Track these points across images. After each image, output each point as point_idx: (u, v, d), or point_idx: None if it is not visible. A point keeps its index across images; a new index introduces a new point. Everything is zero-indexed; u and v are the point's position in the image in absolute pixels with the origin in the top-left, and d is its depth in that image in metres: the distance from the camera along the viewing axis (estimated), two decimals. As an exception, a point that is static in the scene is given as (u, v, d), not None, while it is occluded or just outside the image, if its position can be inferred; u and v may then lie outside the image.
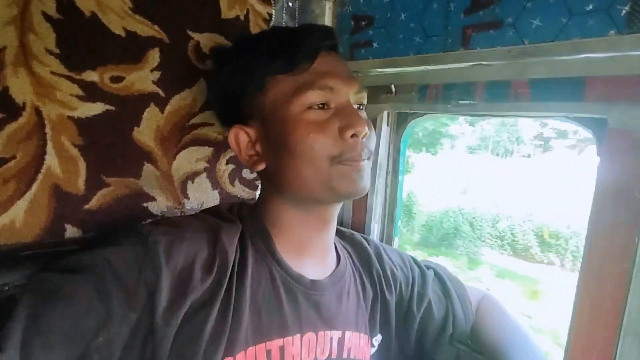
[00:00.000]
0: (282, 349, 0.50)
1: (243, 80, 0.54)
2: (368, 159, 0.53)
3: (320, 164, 0.50)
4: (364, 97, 0.57)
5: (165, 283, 0.43)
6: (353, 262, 0.64)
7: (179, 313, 0.43)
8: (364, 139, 0.52)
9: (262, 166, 0.54)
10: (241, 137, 0.55)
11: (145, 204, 0.63)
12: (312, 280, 0.55)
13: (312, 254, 0.57)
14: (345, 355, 0.56)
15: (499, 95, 0.61)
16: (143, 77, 0.60)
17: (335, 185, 0.50)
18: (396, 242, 0.85)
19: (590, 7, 0.50)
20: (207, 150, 0.70)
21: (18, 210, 0.51)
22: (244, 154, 0.55)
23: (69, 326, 0.39)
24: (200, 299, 0.45)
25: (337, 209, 0.57)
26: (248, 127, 0.54)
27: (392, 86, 0.74)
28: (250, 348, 0.47)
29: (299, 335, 0.51)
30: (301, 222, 0.55)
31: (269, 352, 0.49)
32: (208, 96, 0.66)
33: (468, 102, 0.65)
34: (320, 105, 0.51)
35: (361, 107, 0.57)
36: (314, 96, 0.50)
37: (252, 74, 0.53)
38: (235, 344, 0.46)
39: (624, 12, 0.47)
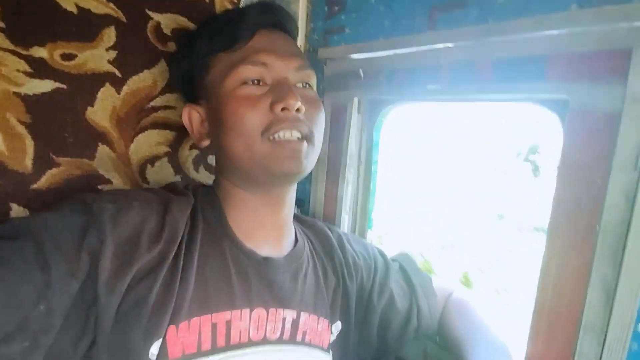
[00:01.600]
0: (228, 323, 0.48)
1: (191, 61, 0.56)
2: (307, 140, 0.52)
3: (250, 139, 0.49)
4: (309, 75, 0.56)
5: (109, 250, 0.42)
6: (314, 247, 0.63)
7: (124, 281, 0.42)
8: (299, 114, 0.50)
9: (206, 143, 0.56)
10: (193, 115, 0.57)
11: (100, 186, 0.62)
12: (265, 258, 0.54)
13: (265, 232, 0.56)
14: (299, 338, 0.54)
15: (463, 78, 0.58)
16: (97, 56, 0.59)
17: (266, 165, 0.50)
18: (369, 235, 0.82)
19: (553, -20, 0.47)
20: (168, 134, 0.68)
21: (-42, 187, 0.50)
22: (195, 132, 0.57)
23: (5, 294, 0.37)
24: (145, 267, 0.44)
25: (284, 190, 0.56)
26: (198, 106, 0.56)
27: (360, 71, 0.72)
28: (195, 318, 0.46)
29: (247, 310, 0.50)
30: (251, 200, 0.55)
31: (214, 326, 0.47)
32: (170, 77, 0.65)
33: (434, 86, 0.62)
34: (255, 82, 0.51)
35: (306, 86, 0.56)
36: (246, 71, 0.51)
37: (197, 54, 0.55)
38: (179, 313, 0.45)
39: (585, -16, 0.44)
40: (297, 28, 0.62)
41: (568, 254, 0.47)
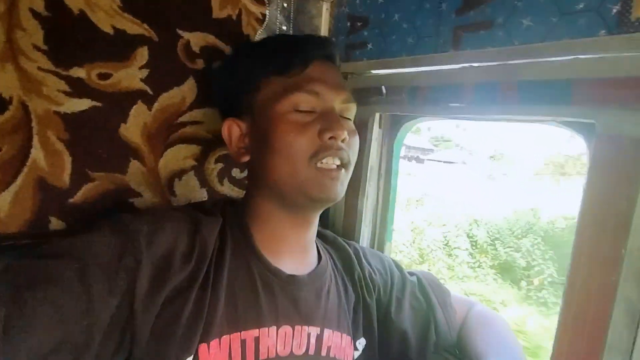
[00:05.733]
0: (257, 339, 0.50)
1: (241, 78, 0.59)
2: (345, 167, 0.55)
3: (297, 163, 0.52)
4: (351, 109, 0.60)
5: (145, 270, 0.44)
6: (335, 264, 0.64)
7: (159, 299, 0.44)
8: (343, 144, 0.54)
9: (246, 158, 0.58)
10: (233, 129, 0.59)
11: (131, 200, 0.64)
12: (290, 275, 0.56)
13: (290, 250, 0.58)
14: (324, 353, 0.55)
15: (487, 98, 0.59)
16: (131, 75, 0.61)
17: (307, 190, 0.52)
18: (388, 247, 0.83)
19: (581, 6, 0.48)
20: (195, 149, 0.70)
21: (2, 202, 0.53)
22: (234, 146, 0.59)
23: (51, 311, 0.39)
24: (178, 286, 0.47)
25: (316, 213, 0.58)
26: (240, 121, 0.58)
27: (383, 87, 0.73)
28: (225, 336, 0.48)
29: (274, 327, 0.52)
30: (279, 219, 0.57)
31: (243, 342, 0.49)
32: (211, 91, 0.68)
33: (457, 104, 0.63)
34: (306, 110, 0.54)
35: (348, 118, 0.59)
36: (300, 98, 0.54)
37: (249, 73, 0.57)
38: (210, 331, 0.47)
39: (614, 11, 0.45)
40: (340, 60, 0.65)
41: (593, 275, 0.48)
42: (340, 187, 0.54)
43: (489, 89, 0.59)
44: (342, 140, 0.53)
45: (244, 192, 0.78)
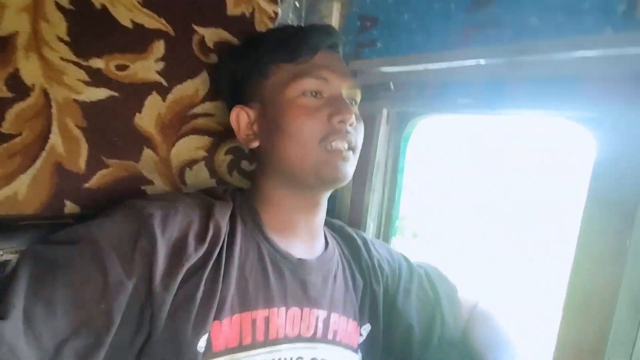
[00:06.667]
0: (267, 319, 0.52)
1: (250, 65, 0.61)
2: (352, 150, 0.57)
3: (307, 146, 0.54)
4: (357, 94, 0.61)
5: (161, 252, 0.46)
6: (342, 251, 0.65)
7: (176, 279, 0.46)
8: (351, 127, 0.55)
9: (256, 144, 0.59)
10: (242, 116, 0.61)
11: (143, 187, 0.66)
12: (299, 259, 0.57)
13: (299, 234, 0.59)
14: (330, 337, 0.57)
15: (495, 94, 0.60)
16: (147, 67, 0.63)
17: (319, 171, 0.54)
18: (393, 241, 0.84)
19: (587, 4, 0.49)
20: (206, 140, 0.72)
21: (21, 184, 0.55)
22: (242, 133, 0.61)
23: (70, 294, 0.41)
24: (193, 267, 0.48)
25: (324, 195, 0.59)
26: (249, 108, 0.60)
27: (391, 83, 0.75)
28: (237, 315, 0.50)
29: (284, 309, 0.53)
30: (289, 203, 0.59)
31: (254, 322, 0.51)
32: (215, 80, 0.69)
33: (465, 100, 0.64)
34: (314, 94, 0.56)
35: (353, 103, 0.60)
36: (309, 83, 0.56)
37: (258, 61, 0.59)
38: (223, 309, 0.49)
39: (620, 9, 0.46)
40: (349, 57, 0.68)
41: (597, 269, 0.48)
42: (350, 168, 0.56)
43: (496, 84, 0.60)
44: (350, 124, 0.55)
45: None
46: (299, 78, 0.55)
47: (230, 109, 0.62)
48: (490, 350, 0.59)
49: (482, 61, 0.61)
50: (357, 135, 0.58)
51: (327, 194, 0.61)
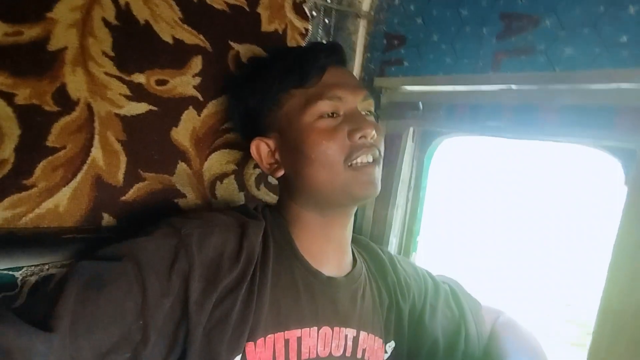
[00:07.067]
0: (299, 339, 0.52)
1: (261, 97, 0.60)
2: (377, 163, 0.57)
3: (333, 168, 0.54)
4: (371, 104, 0.61)
5: (197, 272, 0.47)
6: (369, 267, 0.66)
7: (211, 299, 0.47)
8: (372, 140, 0.56)
9: (281, 172, 0.59)
10: (262, 147, 0.60)
11: (175, 200, 0.67)
12: (329, 277, 0.58)
13: (329, 253, 0.60)
14: (359, 355, 0.57)
15: (526, 119, 0.62)
16: (185, 82, 0.64)
17: (351, 190, 0.54)
18: (414, 257, 0.85)
19: (625, 39, 0.51)
20: (237, 154, 0.73)
21: (62, 196, 0.56)
22: (265, 163, 0.61)
23: (112, 310, 0.42)
24: (228, 286, 0.49)
25: (352, 211, 0.60)
26: (267, 139, 0.60)
27: (420, 104, 0.76)
28: (270, 335, 0.50)
29: (315, 328, 0.54)
30: (318, 223, 0.59)
31: (287, 342, 0.51)
32: (229, 114, 0.69)
33: (495, 124, 0.66)
34: (330, 114, 0.56)
35: (369, 114, 0.61)
36: (324, 106, 0.55)
37: (268, 91, 0.59)
38: (256, 330, 0.49)
39: (658, 45, 0.48)
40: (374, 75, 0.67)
41: (629, 297, 0.49)
42: (377, 182, 0.56)
43: (528, 110, 0.61)
44: (372, 138, 0.55)
45: (277, 197, 0.81)
46: (314, 102, 0.55)
47: (245, 139, 0.63)
48: (515, 355, 0.60)
49: (513, 86, 0.63)
50: (380, 145, 0.58)
51: (354, 209, 0.61)
